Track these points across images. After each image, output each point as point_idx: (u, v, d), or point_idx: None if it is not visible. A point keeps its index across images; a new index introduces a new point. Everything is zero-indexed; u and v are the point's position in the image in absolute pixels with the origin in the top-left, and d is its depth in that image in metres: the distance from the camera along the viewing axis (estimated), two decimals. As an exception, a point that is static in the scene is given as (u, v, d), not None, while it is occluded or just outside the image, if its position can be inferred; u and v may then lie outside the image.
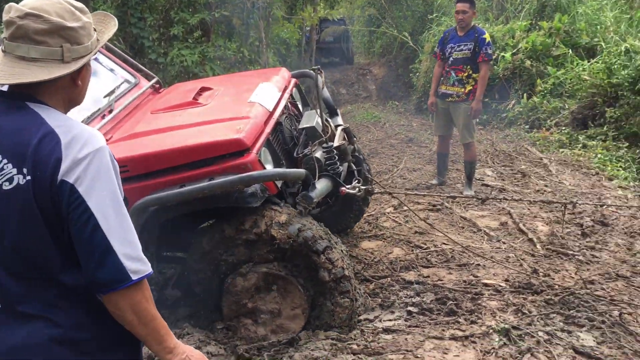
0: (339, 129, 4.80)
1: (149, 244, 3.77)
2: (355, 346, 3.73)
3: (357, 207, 5.64)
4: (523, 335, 3.86)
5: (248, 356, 3.68)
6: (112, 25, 1.94)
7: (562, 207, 6.10)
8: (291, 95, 4.95)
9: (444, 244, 5.66)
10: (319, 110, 4.48)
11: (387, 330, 3.95)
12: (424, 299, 4.39)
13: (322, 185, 4.14)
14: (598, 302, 4.30)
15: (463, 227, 6.24)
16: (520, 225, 6.16)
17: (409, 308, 4.27)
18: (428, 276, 4.87)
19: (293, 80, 5.12)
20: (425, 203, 6.93)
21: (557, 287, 4.54)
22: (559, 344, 3.76)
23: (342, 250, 3.92)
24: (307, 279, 3.90)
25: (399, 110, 16.32)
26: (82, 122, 4.09)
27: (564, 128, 10.40)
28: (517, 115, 11.61)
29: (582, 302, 4.28)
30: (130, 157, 3.71)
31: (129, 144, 3.90)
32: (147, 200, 3.56)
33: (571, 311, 4.15)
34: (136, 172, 3.71)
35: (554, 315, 4.14)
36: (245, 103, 4.16)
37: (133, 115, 4.53)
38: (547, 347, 3.70)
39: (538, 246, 5.58)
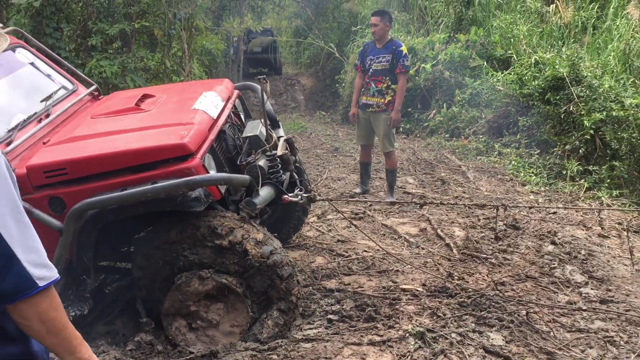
0: (282, 139, 4.85)
1: (85, 250, 3.68)
2: (275, 357, 3.75)
3: (297, 217, 5.68)
4: (437, 338, 4.01)
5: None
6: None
7: (495, 210, 6.35)
8: (234, 105, 4.95)
9: (365, 251, 5.79)
10: (262, 120, 4.52)
11: (307, 339, 3.99)
12: (343, 307, 4.46)
13: (265, 192, 4.15)
14: (507, 303, 4.52)
15: (384, 234, 6.40)
16: (439, 230, 6.39)
17: (329, 316, 4.34)
18: (349, 284, 4.96)
19: (236, 92, 5.12)
20: (348, 212, 7.05)
21: (470, 289, 4.74)
22: (471, 345, 3.93)
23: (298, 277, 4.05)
24: (256, 301, 3.93)
25: (326, 120, 16.56)
26: (17, 125, 3.96)
27: (481, 136, 10.87)
28: (438, 125, 12.03)
29: (492, 304, 4.49)
30: (69, 159, 3.62)
31: (68, 146, 3.79)
32: (85, 203, 3.45)
33: (482, 312, 4.34)
34: (75, 175, 3.61)
35: (467, 317, 4.31)
36: (189, 110, 4.13)
37: (72, 120, 4.43)
38: (459, 348, 3.86)
39: (454, 251, 5.80)
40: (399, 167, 8.75)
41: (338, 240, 6.12)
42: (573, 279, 5.08)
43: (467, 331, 4.09)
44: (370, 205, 7.32)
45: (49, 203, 3.63)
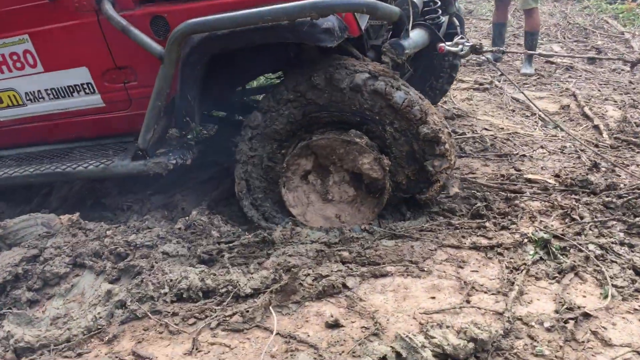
0: None
1: (189, 87, 3.06)
2: (346, 253, 2.95)
3: (445, 77, 4.62)
4: (568, 248, 2.95)
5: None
6: None
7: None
8: None
9: (486, 129, 4.65)
10: None
11: (393, 234, 3.12)
12: (446, 197, 3.49)
13: (416, 35, 3.24)
14: (676, 208, 3.28)
15: (514, 111, 5.17)
16: (586, 109, 5.02)
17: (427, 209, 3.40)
18: (458, 168, 3.94)
19: None
20: (471, 81, 5.81)
21: (622, 186, 3.52)
22: (615, 262, 2.84)
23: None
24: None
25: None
26: None
27: (655, -3, 8.70)
28: (600, -16, 9.85)
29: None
30: None
31: None
32: (191, 23, 2.79)
33: (637, 219, 3.16)
34: None
35: (614, 223, 3.17)
36: None
37: None
38: (597, 266, 2.79)
39: (605, 135, 4.49)
40: (544, 32, 7.17)
41: (454, 114, 5.00)
42: None
43: (612, 243, 2.97)
44: (501, 74, 5.99)
45: (151, 23, 3.06)
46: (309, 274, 2.77)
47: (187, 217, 3.30)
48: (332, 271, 2.81)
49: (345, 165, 3.14)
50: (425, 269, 2.83)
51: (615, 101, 5.29)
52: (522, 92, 3.82)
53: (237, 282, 2.73)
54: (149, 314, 2.64)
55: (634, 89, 5.65)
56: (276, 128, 3.15)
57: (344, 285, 2.74)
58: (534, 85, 5.83)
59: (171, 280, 2.74)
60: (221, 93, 3.85)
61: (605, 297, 2.59)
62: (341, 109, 3.05)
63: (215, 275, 2.78)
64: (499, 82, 5.86)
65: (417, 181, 3.17)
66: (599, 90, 5.60)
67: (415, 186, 3.19)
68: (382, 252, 2.95)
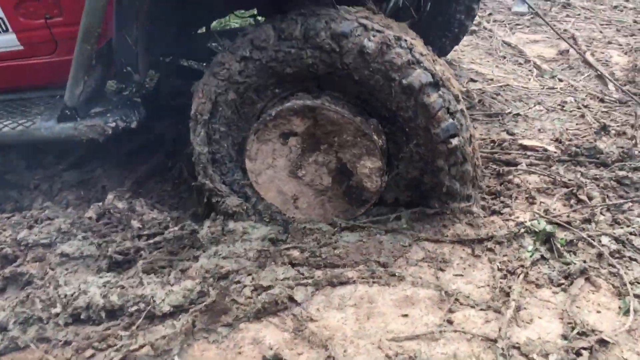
0: None
1: (128, 24, 2.34)
2: (296, 253, 2.32)
3: (458, 22, 3.91)
4: (575, 242, 2.35)
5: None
6: None
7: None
8: None
9: (472, 80, 3.96)
10: None
11: (351, 228, 2.49)
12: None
13: None
14: None
15: (505, 57, 4.46)
16: (588, 54, 4.33)
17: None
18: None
19: None
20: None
21: (637, 154, 2.90)
22: (635, 260, 2.24)
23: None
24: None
25: None
26: None
27: None
28: None
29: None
30: None
31: None
32: None
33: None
34: None
35: (630, 205, 2.56)
36: None
37: None
38: (613, 266, 2.20)
39: (611, 86, 3.83)
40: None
41: (435, 63, 4.29)
42: None
43: (630, 233, 2.38)
44: (490, 14, 5.26)
45: None
46: (245, 285, 2.15)
47: (101, 203, 2.63)
48: (276, 279, 2.18)
49: (340, 153, 2.41)
50: (397, 274, 2.22)
51: (620, 44, 4.60)
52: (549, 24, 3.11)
53: (152, 297, 2.09)
54: (33, 344, 2.01)
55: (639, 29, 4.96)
56: (285, 64, 2.33)
57: (291, 299, 2.12)
58: (527, 27, 5.11)
59: (65, 296, 2.10)
60: (176, 35, 3.10)
61: (626, 312, 2.01)
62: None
63: (124, 287, 2.14)
64: (488, 22, 5.12)
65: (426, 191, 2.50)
66: (601, 32, 4.91)
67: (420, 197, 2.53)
68: (342, 251, 2.32)
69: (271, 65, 2.30)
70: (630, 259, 2.25)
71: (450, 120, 2.24)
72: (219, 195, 2.52)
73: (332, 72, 2.27)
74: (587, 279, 2.16)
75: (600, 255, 2.27)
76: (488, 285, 2.17)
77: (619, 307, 2.03)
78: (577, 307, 2.05)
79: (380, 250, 2.33)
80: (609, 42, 4.65)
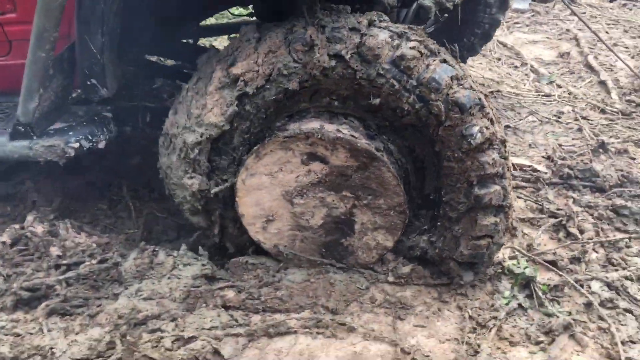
0: None
1: (93, 27, 1.96)
2: (231, 293, 1.98)
3: (488, 17, 3.37)
4: (560, 288, 2.00)
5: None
6: None
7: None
8: None
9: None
10: None
11: (307, 260, 2.15)
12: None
13: None
14: None
15: (499, 59, 4.09)
16: (590, 58, 3.96)
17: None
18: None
19: None
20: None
21: (639, 179, 2.54)
22: (630, 311, 1.90)
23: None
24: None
25: None
26: None
27: None
28: None
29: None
30: None
31: None
32: None
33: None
34: None
35: (627, 241, 2.20)
36: None
37: None
38: (603, 320, 1.85)
39: (614, 94, 3.46)
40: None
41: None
42: None
43: (625, 278, 2.03)
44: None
45: None
46: (164, 335, 1.81)
47: (17, 226, 2.29)
48: (202, 328, 1.84)
49: (357, 210, 2.01)
50: (346, 323, 1.87)
51: (627, 47, 4.23)
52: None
53: (52, 348, 1.76)
54: None
55: (650, 30, 4.58)
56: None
57: (217, 354, 1.78)
58: (527, 25, 4.73)
59: (-50, 345, 1.77)
60: (157, 35, 2.67)
61: (616, 382, 1.66)
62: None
63: (19, 335, 1.81)
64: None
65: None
66: (607, 32, 4.53)
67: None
68: (285, 293, 1.98)
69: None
70: (625, 310, 1.90)
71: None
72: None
73: (415, 125, 1.91)
74: (572, 336, 1.81)
75: (589, 305, 1.92)
76: (455, 339, 1.83)
77: (608, 376, 1.68)
78: (557, 373, 1.71)
79: (330, 293, 1.98)
80: (615, 44, 4.26)
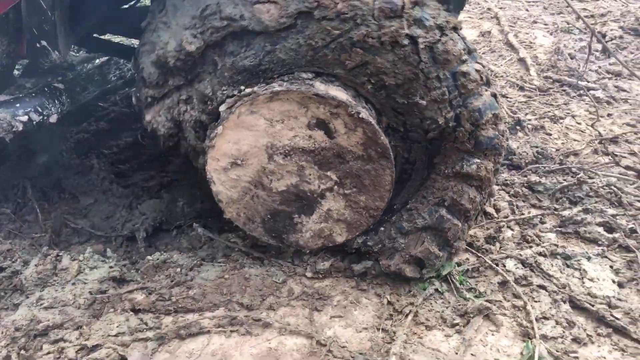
0: None
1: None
2: (140, 296, 1.89)
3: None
4: (477, 268, 2.00)
5: None
6: None
7: None
8: None
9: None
10: None
11: (223, 255, 2.07)
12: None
13: None
14: (630, 185, 2.37)
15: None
16: (510, 36, 4.00)
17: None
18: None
19: None
20: None
21: (556, 152, 2.58)
22: (545, 288, 1.91)
23: None
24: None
25: None
26: None
27: None
28: None
29: (600, 187, 2.35)
30: None
31: None
32: None
33: (575, 209, 2.24)
34: None
35: (541, 217, 2.23)
36: None
37: None
38: (518, 297, 1.86)
39: (532, 71, 3.51)
40: None
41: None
42: None
43: (540, 254, 2.05)
44: None
45: None
46: (66, 345, 1.70)
47: None
48: (108, 335, 1.74)
49: (333, 194, 1.90)
50: (261, 319, 1.81)
51: (546, 24, 4.30)
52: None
53: (-59, 369, 1.63)
54: None
55: (567, 7, 4.66)
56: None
57: (124, 361, 1.69)
58: (450, 5, 4.74)
59: None
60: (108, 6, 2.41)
61: (529, 359, 1.67)
62: None
63: None
64: None
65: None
66: (527, 10, 4.59)
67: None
68: (197, 292, 1.90)
69: None
70: (539, 287, 1.92)
71: None
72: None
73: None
74: (487, 317, 1.81)
75: (504, 284, 1.93)
76: (373, 327, 1.80)
77: (521, 354, 1.69)
78: (472, 354, 1.70)
79: (245, 289, 1.92)
80: (535, 22, 4.33)
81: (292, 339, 1.77)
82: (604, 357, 1.69)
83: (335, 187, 1.87)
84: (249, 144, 1.82)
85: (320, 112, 1.75)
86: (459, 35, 1.74)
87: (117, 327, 1.78)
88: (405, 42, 1.66)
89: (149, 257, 2.04)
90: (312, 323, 1.82)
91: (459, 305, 1.85)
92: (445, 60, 1.69)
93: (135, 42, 3.53)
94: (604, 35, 3.78)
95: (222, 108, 1.79)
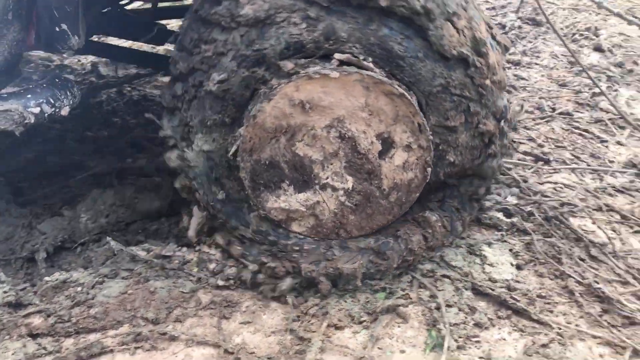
0: None
1: None
2: (38, 320, 1.81)
3: None
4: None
5: None
6: None
7: None
8: None
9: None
10: None
11: (127, 269, 2.01)
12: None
13: None
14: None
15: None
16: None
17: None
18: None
19: None
20: None
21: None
22: (448, 276, 1.96)
23: None
24: None
25: None
26: None
27: None
28: None
29: (500, 174, 2.44)
30: None
31: None
32: None
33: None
34: None
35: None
36: None
37: None
38: (423, 287, 1.90)
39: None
40: None
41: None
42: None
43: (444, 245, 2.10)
44: None
45: None
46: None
47: None
48: (-1, 365, 1.66)
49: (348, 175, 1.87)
50: (168, 332, 1.77)
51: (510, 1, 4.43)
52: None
53: None
54: None
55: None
56: None
57: (20, 390, 1.62)
58: None
59: None
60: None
61: (432, 348, 1.71)
62: None
63: None
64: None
65: None
66: None
67: None
68: (99, 310, 1.84)
69: None
70: (443, 276, 1.97)
71: None
72: None
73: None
74: (394, 310, 1.84)
75: (411, 281, 1.97)
76: (280, 332, 1.79)
77: (425, 343, 1.73)
78: (379, 348, 1.72)
79: (149, 303, 1.87)
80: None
81: (199, 349, 1.74)
82: (504, 339, 1.76)
83: (341, 191, 1.83)
84: (331, 101, 1.72)
85: (400, 138, 1.76)
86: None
87: (13, 354, 1.69)
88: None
89: (47, 278, 1.96)
90: (220, 331, 1.80)
91: (368, 301, 1.87)
92: (500, 86, 1.84)
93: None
94: (503, 27, 3.92)
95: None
